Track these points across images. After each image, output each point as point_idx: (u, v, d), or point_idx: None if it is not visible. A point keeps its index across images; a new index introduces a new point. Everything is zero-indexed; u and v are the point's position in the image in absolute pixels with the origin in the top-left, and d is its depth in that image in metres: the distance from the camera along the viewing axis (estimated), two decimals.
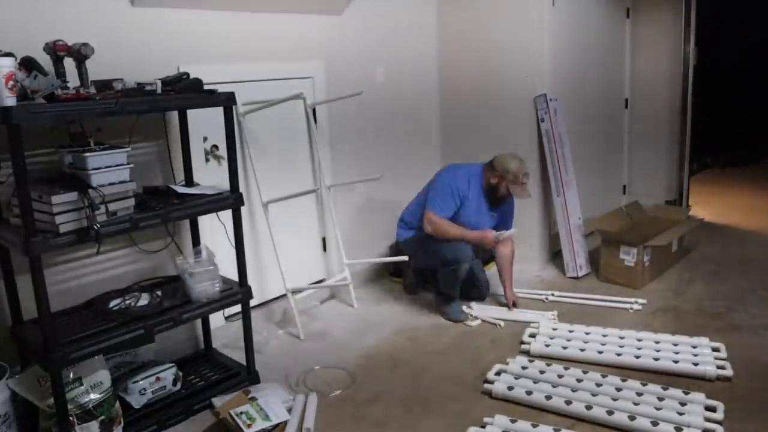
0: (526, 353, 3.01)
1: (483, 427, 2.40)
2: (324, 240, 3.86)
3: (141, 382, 2.57)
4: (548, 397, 2.55)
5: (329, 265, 3.89)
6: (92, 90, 2.27)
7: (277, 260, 3.33)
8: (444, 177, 3.47)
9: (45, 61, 2.21)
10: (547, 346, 3.01)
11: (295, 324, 3.34)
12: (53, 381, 2.16)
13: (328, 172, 3.73)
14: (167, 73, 2.67)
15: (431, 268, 3.55)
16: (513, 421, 2.40)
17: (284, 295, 3.44)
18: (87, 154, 2.25)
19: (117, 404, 2.41)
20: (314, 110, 3.62)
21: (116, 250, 2.79)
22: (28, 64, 2.18)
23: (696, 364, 2.76)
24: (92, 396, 2.30)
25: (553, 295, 3.72)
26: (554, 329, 3.19)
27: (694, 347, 2.92)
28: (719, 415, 2.39)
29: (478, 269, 3.69)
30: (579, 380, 2.68)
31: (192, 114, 2.84)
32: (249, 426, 2.38)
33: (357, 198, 3.97)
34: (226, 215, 2.73)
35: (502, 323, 3.37)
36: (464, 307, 3.56)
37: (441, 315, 3.52)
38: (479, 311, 3.53)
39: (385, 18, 4.01)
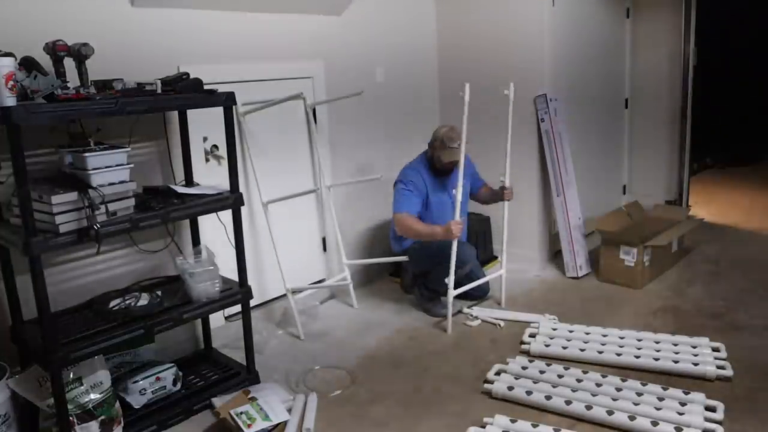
0: (526, 353, 3.01)
1: (483, 427, 2.40)
2: (324, 240, 3.86)
3: (141, 382, 2.57)
4: (548, 397, 2.55)
5: (329, 265, 3.89)
6: (92, 90, 2.27)
7: (277, 260, 3.33)
8: (398, 180, 3.51)
9: (45, 61, 2.22)
10: (547, 346, 3.01)
11: (295, 324, 3.34)
12: (53, 381, 2.16)
13: (328, 172, 3.73)
14: (167, 73, 2.67)
15: (433, 268, 3.54)
16: (513, 421, 2.40)
17: (284, 295, 3.44)
18: (87, 154, 2.25)
19: (117, 404, 2.41)
20: (314, 110, 3.62)
21: (116, 250, 2.80)
22: (28, 64, 2.18)
23: (696, 364, 2.76)
24: (92, 396, 2.30)
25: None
26: (554, 329, 3.19)
27: (694, 347, 2.92)
28: (719, 415, 2.39)
29: (476, 268, 3.69)
30: (579, 380, 2.68)
31: (192, 114, 2.84)
32: (249, 426, 2.38)
33: (357, 198, 3.97)
34: (226, 215, 2.74)
35: (502, 323, 3.37)
36: (465, 308, 3.56)
37: (424, 311, 3.56)
38: (479, 311, 3.52)
39: (385, 18, 4.01)
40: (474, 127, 4.29)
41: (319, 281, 3.83)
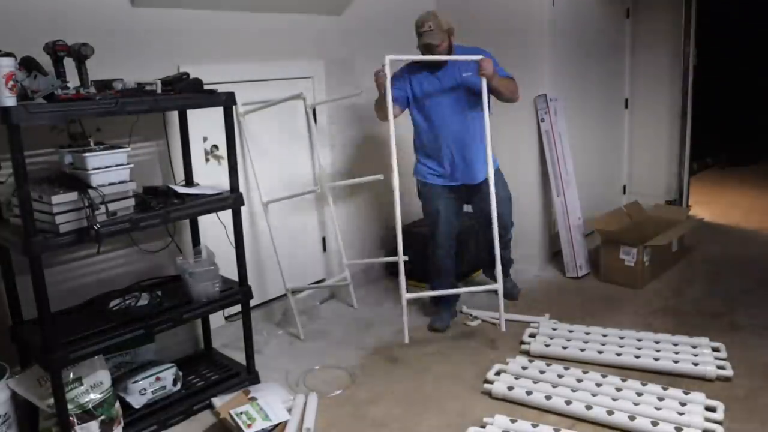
0: (526, 353, 3.01)
1: (483, 427, 2.40)
2: (324, 240, 3.86)
3: (141, 382, 2.57)
4: (548, 397, 2.55)
5: (329, 265, 3.89)
6: (92, 90, 2.27)
7: (277, 260, 3.33)
8: None
9: (45, 61, 2.22)
10: (547, 346, 3.01)
11: (295, 324, 3.35)
12: (53, 381, 2.16)
13: (328, 172, 3.73)
14: (167, 73, 2.67)
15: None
16: (513, 421, 2.40)
17: (284, 295, 3.44)
18: (87, 154, 2.25)
19: (117, 404, 2.41)
20: (314, 110, 3.63)
21: (116, 250, 2.79)
22: (28, 64, 2.18)
23: (696, 364, 2.76)
24: (92, 396, 2.30)
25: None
26: (554, 329, 3.19)
27: (694, 347, 2.92)
28: (719, 415, 2.39)
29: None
30: (579, 380, 2.68)
31: (192, 114, 2.84)
32: (249, 426, 2.38)
33: (357, 198, 3.97)
34: (226, 215, 2.74)
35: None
36: (463, 308, 3.55)
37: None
38: (479, 311, 3.52)
39: (386, 18, 4.00)
40: None
41: (319, 281, 3.83)
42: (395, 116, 3.05)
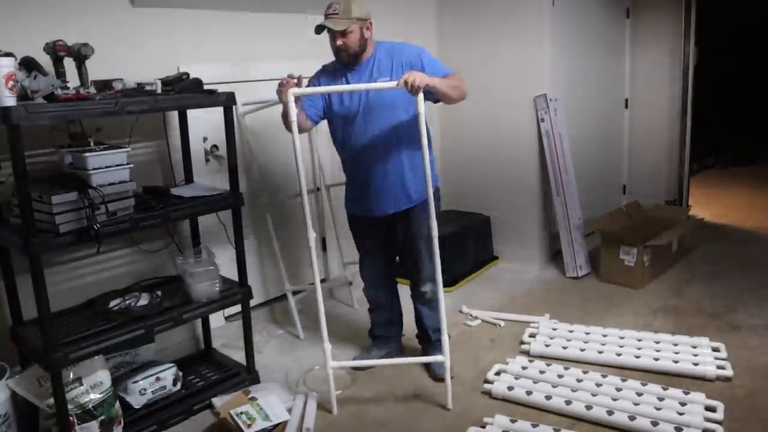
0: (526, 353, 3.01)
1: (483, 427, 2.40)
2: (324, 240, 3.86)
3: (141, 382, 2.57)
4: (548, 397, 2.55)
5: (329, 265, 3.89)
6: (92, 90, 2.27)
7: (277, 260, 3.33)
8: None
9: (45, 61, 2.22)
10: (547, 346, 3.01)
11: (295, 324, 3.35)
12: (53, 381, 2.16)
13: (328, 172, 3.73)
14: (167, 73, 2.67)
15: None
16: (513, 421, 2.40)
17: (284, 295, 3.44)
18: (87, 154, 2.25)
19: (117, 404, 2.41)
20: None
21: (116, 250, 2.80)
22: (28, 64, 2.18)
23: (696, 364, 2.76)
24: (92, 396, 2.30)
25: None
26: (554, 329, 3.19)
27: (694, 347, 2.92)
28: (719, 415, 2.39)
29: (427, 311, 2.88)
30: (579, 380, 2.68)
31: (192, 114, 2.84)
32: (249, 426, 2.38)
33: None
34: (226, 215, 2.74)
35: (502, 323, 3.37)
36: (464, 308, 3.54)
37: None
38: (479, 311, 3.52)
39: (385, 17, 3.99)
40: (471, 129, 4.31)
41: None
42: (304, 130, 2.70)
